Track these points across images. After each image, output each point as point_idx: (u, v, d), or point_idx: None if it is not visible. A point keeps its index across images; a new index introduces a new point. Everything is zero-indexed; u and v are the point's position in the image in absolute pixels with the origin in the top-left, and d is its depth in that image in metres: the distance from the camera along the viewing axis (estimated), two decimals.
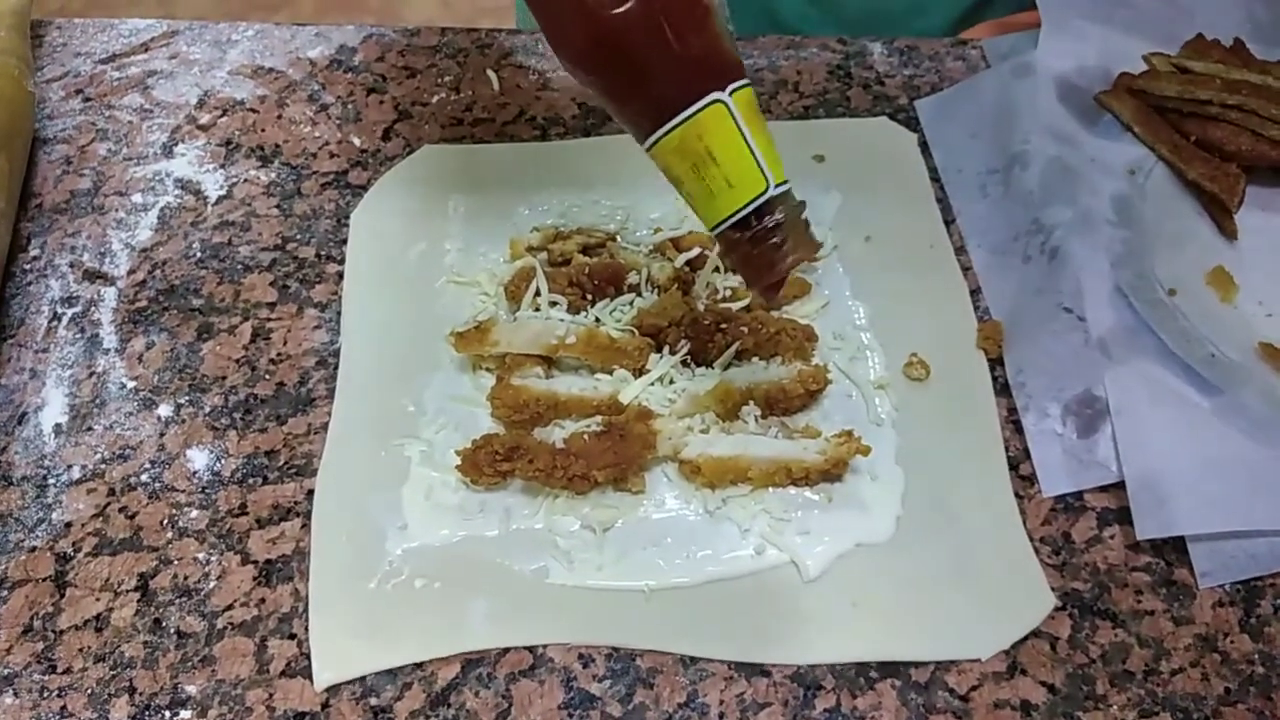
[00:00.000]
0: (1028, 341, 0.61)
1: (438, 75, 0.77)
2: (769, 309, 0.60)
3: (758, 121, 0.45)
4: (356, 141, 0.72)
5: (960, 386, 0.60)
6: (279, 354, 0.62)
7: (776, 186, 0.45)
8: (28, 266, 0.65)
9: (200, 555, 0.54)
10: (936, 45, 0.80)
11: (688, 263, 0.63)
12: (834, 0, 0.89)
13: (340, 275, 0.65)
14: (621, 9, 0.42)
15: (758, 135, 0.45)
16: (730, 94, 0.44)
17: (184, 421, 0.59)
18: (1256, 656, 0.51)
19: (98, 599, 0.52)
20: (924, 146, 0.73)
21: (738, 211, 0.45)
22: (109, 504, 0.55)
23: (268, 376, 0.61)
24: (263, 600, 0.52)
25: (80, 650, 0.51)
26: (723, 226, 0.46)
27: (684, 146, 0.44)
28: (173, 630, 0.51)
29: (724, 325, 0.59)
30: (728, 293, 0.62)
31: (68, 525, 0.55)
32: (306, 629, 0.51)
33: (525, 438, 0.55)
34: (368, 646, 0.51)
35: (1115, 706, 0.50)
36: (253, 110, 0.74)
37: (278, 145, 0.72)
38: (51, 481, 0.56)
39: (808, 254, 0.47)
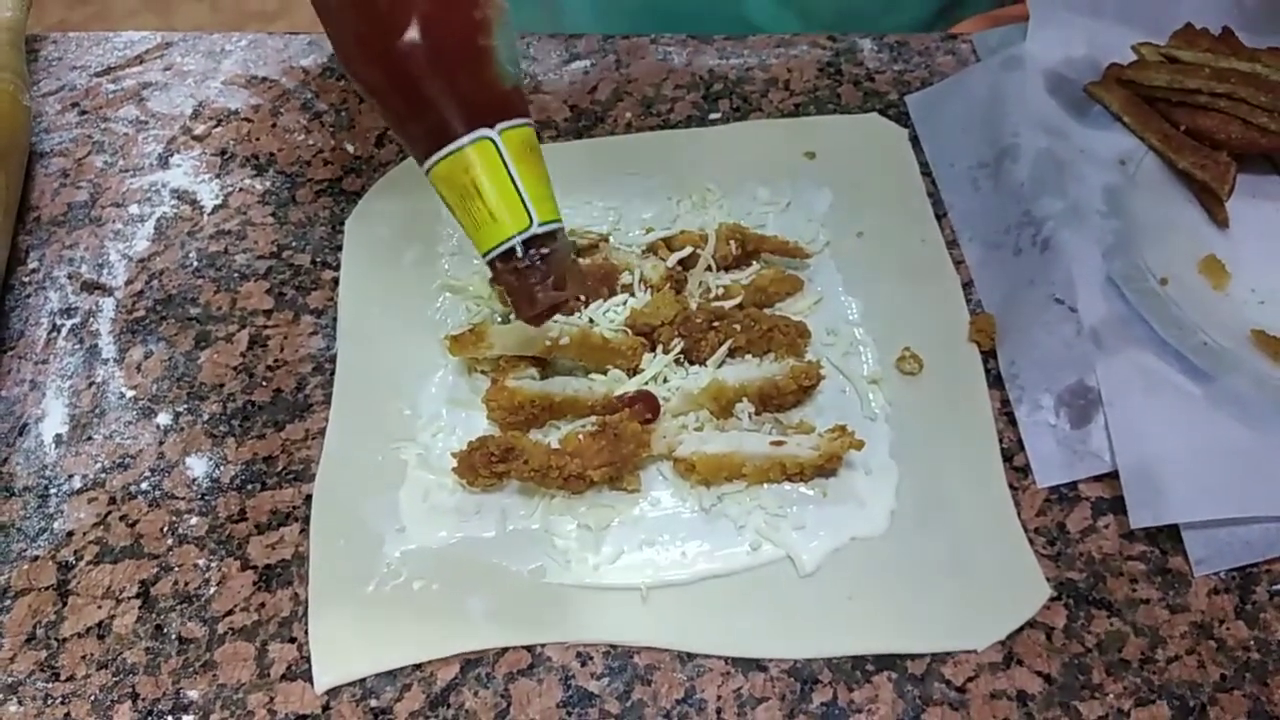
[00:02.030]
0: (1020, 333, 0.61)
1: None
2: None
3: (530, 162, 0.47)
4: (350, 148, 0.73)
5: (953, 380, 0.61)
6: (276, 361, 0.62)
7: (541, 225, 0.47)
8: (26, 279, 0.66)
9: (200, 561, 0.54)
10: (926, 40, 0.80)
11: (680, 262, 0.63)
12: (804, 4, 0.89)
13: (336, 282, 0.65)
14: (401, 40, 0.44)
15: (526, 175, 0.46)
16: (500, 133, 0.46)
17: (183, 429, 0.59)
18: (1252, 643, 0.51)
19: (99, 606, 0.53)
20: (915, 141, 0.73)
21: (500, 245, 0.47)
22: (110, 512, 0.56)
23: (265, 383, 0.61)
24: (263, 605, 0.53)
25: (83, 658, 0.51)
26: (489, 256, 0.48)
27: (452, 177, 0.46)
28: (174, 636, 0.52)
29: (716, 323, 0.59)
30: (720, 291, 0.63)
31: (69, 534, 0.55)
32: (306, 632, 0.52)
33: (520, 439, 0.55)
34: (367, 649, 0.51)
35: (1111, 695, 0.50)
36: (247, 120, 0.75)
37: (272, 154, 0.73)
38: (53, 491, 0.57)
39: (568, 295, 0.49)
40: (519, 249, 0.47)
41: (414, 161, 0.70)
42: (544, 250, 0.47)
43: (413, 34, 0.44)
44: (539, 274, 0.48)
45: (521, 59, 0.78)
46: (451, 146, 0.46)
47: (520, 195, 0.46)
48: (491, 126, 0.46)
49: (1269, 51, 0.70)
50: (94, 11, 2.20)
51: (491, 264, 0.48)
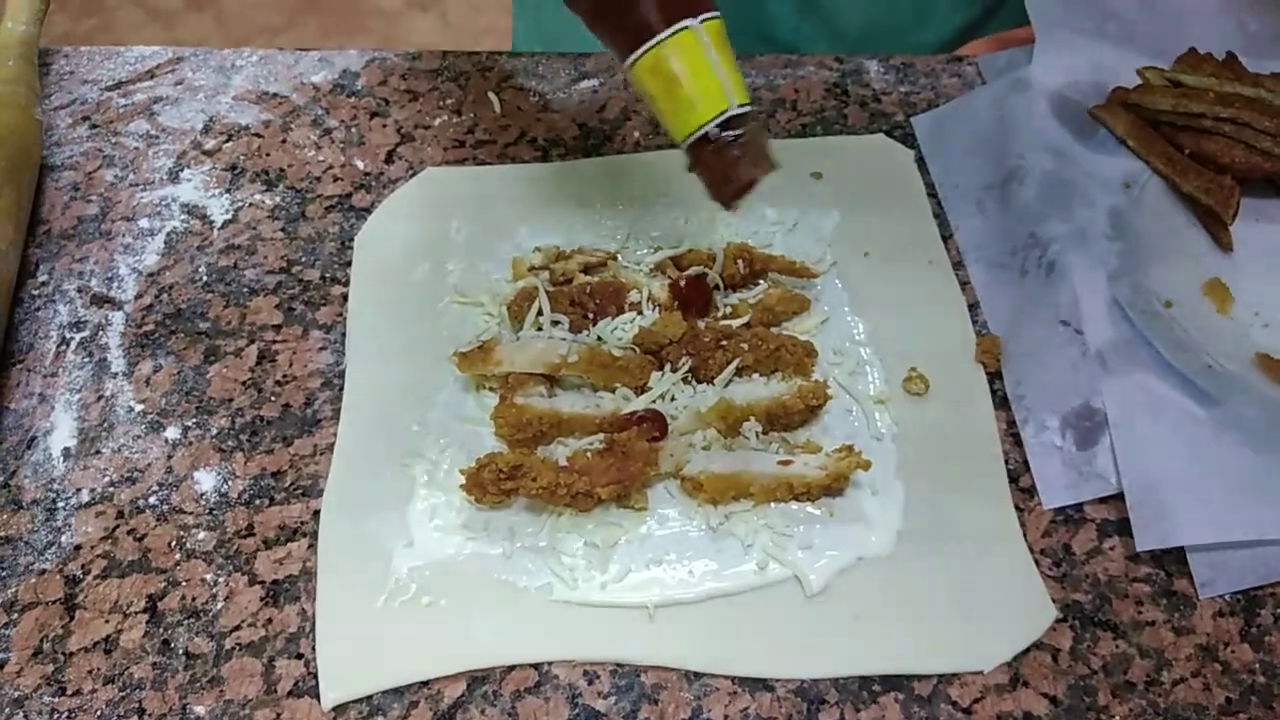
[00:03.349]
0: (1026, 355, 0.61)
1: (440, 98, 0.78)
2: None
3: (724, 49, 0.51)
4: (360, 165, 0.73)
5: (959, 400, 0.61)
6: (285, 376, 0.62)
7: (738, 107, 0.51)
8: (36, 292, 0.66)
9: (208, 576, 0.54)
10: (932, 62, 0.80)
11: None
12: (831, 18, 0.89)
13: (345, 297, 0.66)
14: None
15: (724, 61, 0.51)
16: (700, 23, 0.50)
17: (191, 444, 0.59)
18: (1257, 666, 0.52)
19: (107, 621, 0.53)
20: (921, 163, 0.73)
21: (701, 127, 0.51)
22: (117, 526, 0.56)
23: (274, 398, 0.61)
24: (270, 620, 0.53)
25: (90, 672, 0.51)
26: (689, 140, 0.52)
27: (657, 67, 0.51)
28: (181, 651, 0.52)
29: (724, 342, 0.60)
30: (727, 310, 0.63)
31: (77, 548, 0.55)
32: (314, 648, 0.52)
33: (528, 456, 0.55)
34: (374, 665, 0.51)
35: (1117, 717, 0.50)
36: (257, 135, 0.75)
37: (282, 169, 0.73)
38: (61, 505, 0.57)
39: (764, 170, 0.53)
40: (716, 130, 0.51)
41: (423, 179, 0.72)
42: (740, 130, 0.51)
43: None
44: (737, 151, 0.52)
45: (536, 77, 0.79)
46: (655, 40, 0.50)
47: (720, 79, 0.51)
48: (694, 18, 0.50)
49: (1273, 76, 0.71)
50: (99, 24, 2.21)
51: (691, 148, 0.52)
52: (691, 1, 0.51)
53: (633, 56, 0.51)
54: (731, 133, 0.51)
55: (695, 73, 0.50)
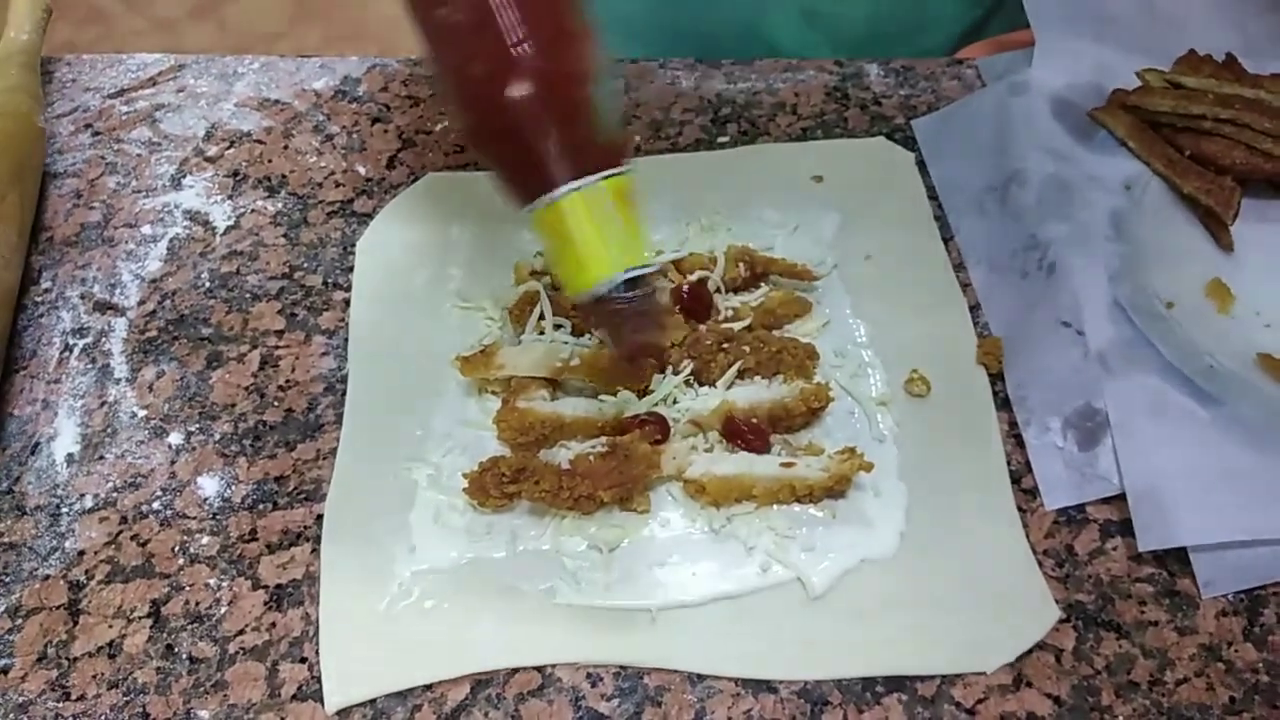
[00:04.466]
0: (1027, 356, 0.61)
1: (441, 104, 0.78)
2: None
3: (623, 209, 0.48)
4: (361, 170, 0.74)
5: (961, 402, 0.61)
6: (287, 381, 0.62)
7: (627, 272, 0.48)
8: (39, 299, 0.66)
9: (211, 581, 0.54)
10: (932, 65, 0.81)
11: None
12: (833, 29, 0.90)
13: (347, 302, 0.66)
14: (507, 91, 0.45)
15: (614, 224, 0.48)
16: (593, 184, 0.47)
17: (194, 449, 0.59)
18: (1261, 665, 0.52)
19: (110, 626, 0.53)
20: (921, 165, 0.74)
21: (586, 291, 0.48)
22: (121, 532, 0.56)
23: (276, 403, 0.61)
24: (273, 625, 0.53)
25: (94, 677, 0.51)
26: (579, 299, 0.49)
27: (546, 224, 0.48)
28: (185, 656, 0.52)
29: (726, 345, 0.60)
30: (729, 313, 0.63)
31: (80, 553, 0.55)
32: (317, 652, 0.52)
33: (531, 460, 0.56)
34: (378, 669, 0.51)
35: (1121, 717, 0.50)
36: (259, 142, 0.75)
37: (284, 176, 0.73)
38: (64, 510, 0.57)
39: (654, 336, 0.51)
40: (605, 293, 0.48)
41: (425, 184, 0.72)
42: (631, 294, 0.48)
43: (519, 86, 0.45)
44: (620, 319, 0.49)
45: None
46: (547, 198, 0.47)
47: (608, 245, 0.47)
48: (586, 178, 0.47)
49: (1272, 78, 0.71)
50: (102, 32, 2.22)
51: (584, 306, 0.50)
52: (587, 162, 0.47)
53: (524, 209, 0.48)
54: (621, 296, 0.48)
55: (583, 237, 0.47)
